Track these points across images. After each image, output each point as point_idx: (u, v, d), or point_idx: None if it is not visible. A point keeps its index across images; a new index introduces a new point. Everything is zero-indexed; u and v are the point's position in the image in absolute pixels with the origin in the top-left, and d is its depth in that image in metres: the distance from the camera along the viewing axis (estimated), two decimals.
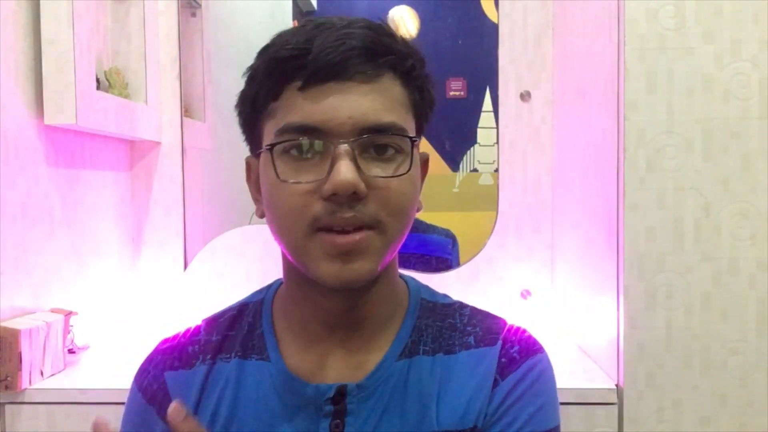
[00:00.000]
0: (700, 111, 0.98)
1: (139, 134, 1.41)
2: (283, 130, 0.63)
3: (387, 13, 1.72)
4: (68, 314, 1.17)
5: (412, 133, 0.66)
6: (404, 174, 0.63)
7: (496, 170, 1.50)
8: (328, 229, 0.62)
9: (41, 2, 1.15)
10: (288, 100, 0.63)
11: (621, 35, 0.99)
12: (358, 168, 0.61)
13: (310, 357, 0.69)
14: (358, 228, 0.62)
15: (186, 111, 1.57)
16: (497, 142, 1.48)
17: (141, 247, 1.52)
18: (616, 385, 1.03)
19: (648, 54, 0.98)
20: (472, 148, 1.71)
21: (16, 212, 1.11)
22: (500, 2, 1.46)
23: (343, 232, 0.61)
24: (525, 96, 1.46)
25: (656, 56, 0.98)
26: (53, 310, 1.17)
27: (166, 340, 0.76)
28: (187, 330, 0.76)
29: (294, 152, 0.63)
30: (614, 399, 1.02)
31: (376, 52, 0.63)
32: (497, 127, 1.49)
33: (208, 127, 1.67)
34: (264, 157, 0.65)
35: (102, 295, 1.39)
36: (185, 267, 1.52)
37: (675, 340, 0.99)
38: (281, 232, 0.65)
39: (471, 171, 1.71)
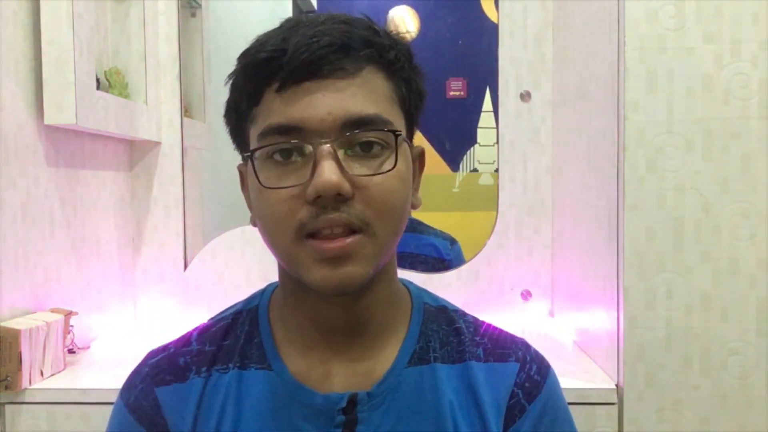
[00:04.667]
0: (700, 111, 0.98)
1: (139, 134, 1.41)
2: (263, 134, 0.60)
3: (387, 13, 1.72)
4: (68, 314, 1.17)
5: (399, 128, 0.63)
6: (389, 171, 0.60)
7: (496, 170, 1.50)
8: (316, 235, 0.59)
9: (41, 2, 1.15)
10: (267, 103, 0.61)
11: (621, 35, 0.99)
12: (341, 168, 0.58)
13: (312, 364, 0.67)
14: (347, 233, 0.59)
15: (186, 111, 1.58)
16: (497, 142, 1.48)
17: (141, 247, 1.52)
18: (616, 385, 1.03)
19: (648, 54, 0.98)
20: (472, 148, 1.71)
21: (16, 212, 1.11)
22: (500, 2, 1.46)
23: (332, 236, 0.59)
24: (525, 96, 1.46)
25: (656, 56, 0.98)
26: (53, 310, 1.17)
27: (153, 353, 0.71)
28: (177, 340, 0.72)
29: (278, 156, 0.60)
30: (614, 399, 1.02)
31: (352, 47, 0.60)
32: (497, 127, 1.49)
33: (208, 127, 1.67)
34: (248, 164, 0.62)
35: (102, 295, 1.39)
36: (185, 267, 1.52)
37: (675, 340, 0.99)
38: (271, 240, 0.63)
39: (471, 171, 1.71)
